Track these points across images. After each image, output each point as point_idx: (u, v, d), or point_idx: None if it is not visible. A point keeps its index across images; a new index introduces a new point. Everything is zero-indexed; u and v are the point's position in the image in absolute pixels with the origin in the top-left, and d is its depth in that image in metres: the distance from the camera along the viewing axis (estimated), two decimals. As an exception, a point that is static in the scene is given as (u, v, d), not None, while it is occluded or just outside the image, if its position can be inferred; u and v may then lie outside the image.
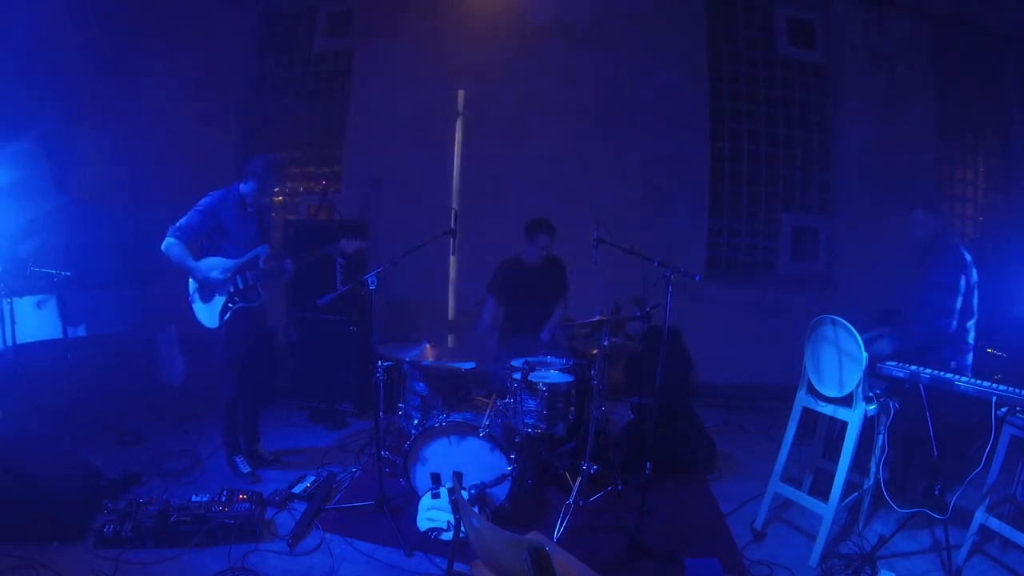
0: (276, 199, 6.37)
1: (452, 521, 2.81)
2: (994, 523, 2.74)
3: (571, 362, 3.67)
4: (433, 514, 3.02)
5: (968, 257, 3.27)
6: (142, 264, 4.82)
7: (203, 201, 3.45)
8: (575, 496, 3.29)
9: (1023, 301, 4.71)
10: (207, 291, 3.49)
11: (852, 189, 5.80)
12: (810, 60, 5.92)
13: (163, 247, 3.34)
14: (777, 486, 3.18)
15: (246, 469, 3.66)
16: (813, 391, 3.06)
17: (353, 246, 3.67)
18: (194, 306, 3.53)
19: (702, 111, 5.77)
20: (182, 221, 3.38)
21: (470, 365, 3.53)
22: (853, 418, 2.84)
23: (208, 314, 3.51)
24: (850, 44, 5.80)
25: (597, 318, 3.39)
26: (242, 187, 3.52)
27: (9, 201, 4.70)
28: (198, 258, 3.46)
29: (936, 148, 5.78)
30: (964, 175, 6.01)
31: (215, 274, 3.44)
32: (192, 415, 4.57)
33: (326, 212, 5.59)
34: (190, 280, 3.51)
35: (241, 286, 3.51)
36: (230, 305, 3.49)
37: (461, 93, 5.69)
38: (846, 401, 2.88)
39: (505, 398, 3.52)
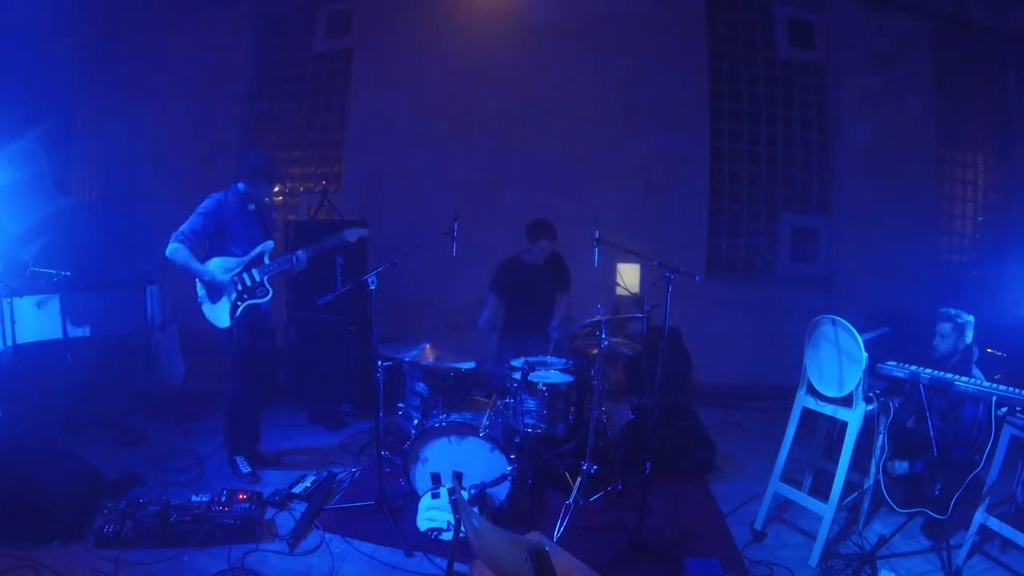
0: (276, 199, 6.38)
1: (452, 521, 2.81)
2: (994, 523, 2.74)
3: (571, 362, 3.67)
4: (433, 514, 3.02)
5: (976, 352, 3.27)
6: (142, 264, 4.82)
7: (204, 204, 3.46)
8: (575, 496, 3.29)
9: (1023, 301, 4.71)
10: (215, 292, 3.48)
11: (852, 189, 5.80)
12: (810, 60, 5.92)
13: (168, 252, 3.33)
14: (777, 486, 3.18)
15: (246, 469, 3.66)
16: (813, 391, 3.06)
17: (356, 234, 3.71)
18: (203, 308, 3.52)
19: (702, 111, 5.77)
20: (184, 226, 3.38)
21: (470, 365, 3.53)
22: (853, 418, 2.84)
23: (219, 314, 3.50)
24: (850, 44, 5.79)
25: (597, 318, 3.39)
26: (240, 187, 3.52)
27: (10, 202, 4.70)
28: (203, 260, 3.46)
29: (936, 148, 5.78)
30: (964, 175, 6.01)
31: (221, 275, 3.43)
32: (192, 415, 4.57)
33: (326, 212, 5.59)
34: (198, 283, 3.51)
35: (249, 283, 3.51)
36: (239, 303, 3.49)
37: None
38: (846, 401, 2.88)
39: (505, 398, 3.52)
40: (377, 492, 3.25)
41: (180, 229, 3.37)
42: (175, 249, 3.33)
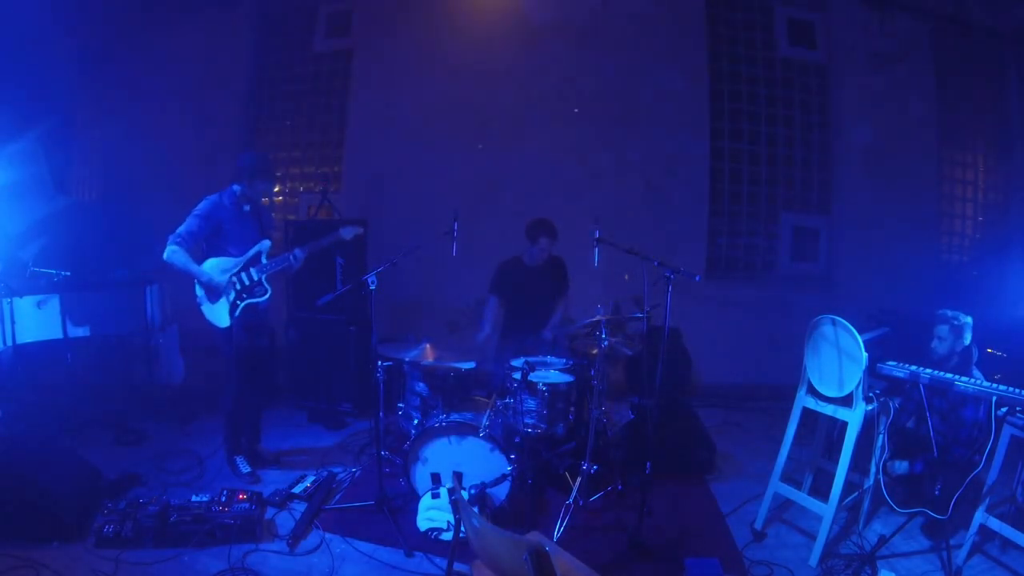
0: (276, 198, 6.38)
1: (452, 521, 2.81)
2: (994, 523, 2.74)
3: (571, 362, 3.68)
4: (433, 514, 3.02)
5: (975, 353, 3.24)
6: (142, 264, 4.82)
7: (200, 205, 3.47)
8: (575, 496, 3.29)
9: (1023, 301, 4.71)
10: (214, 293, 3.49)
11: (852, 189, 5.80)
12: (810, 60, 5.92)
13: (165, 256, 3.34)
14: (777, 486, 3.18)
15: (246, 469, 3.66)
16: (813, 391, 3.06)
17: (351, 232, 3.72)
18: (203, 308, 3.52)
19: (702, 111, 5.77)
20: (181, 228, 3.39)
21: (470, 365, 3.53)
22: (853, 418, 2.84)
23: (218, 314, 3.50)
24: (850, 44, 5.79)
25: (597, 318, 3.39)
26: (235, 188, 3.53)
27: (10, 202, 4.70)
28: (201, 260, 3.46)
29: (936, 148, 5.78)
30: (964, 175, 6.01)
31: (219, 275, 3.44)
32: (192, 415, 4.57)
33: (326, 212, 5.59)
34: (196, 283, 3.50)
35: (247, 283, 3.51)
36: (238, 303, 3.49)
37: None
38: (846, 401, 2.88)
39: (505, 398, 3.52)
40: (377, 492, 3.25)
41: (176, 232, 3.38)
42: (172, 252, 3.34)
